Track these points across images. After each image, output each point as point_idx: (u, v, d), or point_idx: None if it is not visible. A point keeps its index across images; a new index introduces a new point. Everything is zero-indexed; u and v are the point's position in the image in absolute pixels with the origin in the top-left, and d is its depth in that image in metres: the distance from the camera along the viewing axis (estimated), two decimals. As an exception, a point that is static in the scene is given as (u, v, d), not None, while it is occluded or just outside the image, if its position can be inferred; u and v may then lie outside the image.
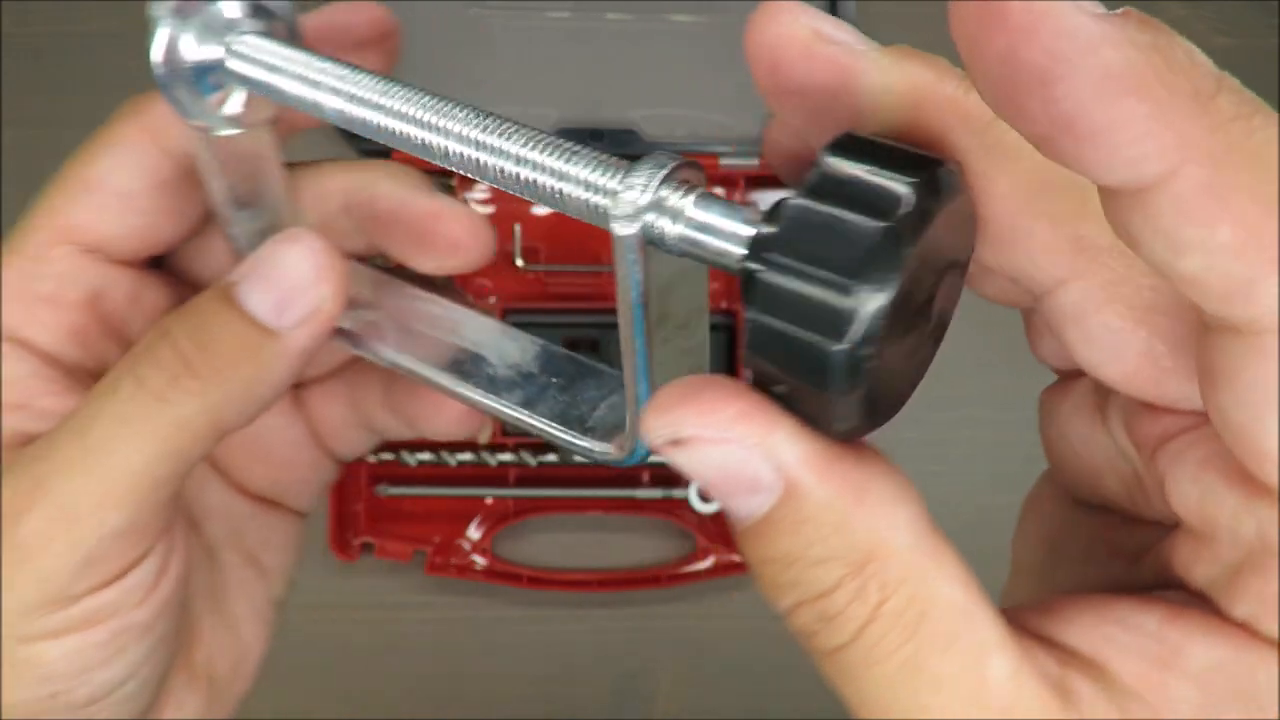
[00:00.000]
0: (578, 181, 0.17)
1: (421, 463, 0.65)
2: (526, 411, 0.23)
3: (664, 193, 0.16)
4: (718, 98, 0.68)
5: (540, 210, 0.67)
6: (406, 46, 0.67)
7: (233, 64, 0.22)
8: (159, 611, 0.22)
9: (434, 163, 0.23)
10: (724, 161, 0.66)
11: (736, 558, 0.66)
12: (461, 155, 0.21)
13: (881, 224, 0.14)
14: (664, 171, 0.16)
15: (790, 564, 0.15)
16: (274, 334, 0.21)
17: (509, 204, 0.67)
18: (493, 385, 0.23)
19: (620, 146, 0.66)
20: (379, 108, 0.22)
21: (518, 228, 0.66)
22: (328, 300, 0.22)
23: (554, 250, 0.67)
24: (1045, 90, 0.13)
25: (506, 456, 0.65)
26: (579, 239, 0.67)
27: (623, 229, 0.16)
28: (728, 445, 0.15)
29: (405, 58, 0.67)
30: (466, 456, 0.65)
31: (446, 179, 0.66)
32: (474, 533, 0.66)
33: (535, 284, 0.67)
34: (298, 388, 0.27)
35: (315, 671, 0.65)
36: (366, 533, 0.65)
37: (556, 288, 0.67)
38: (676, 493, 0.65)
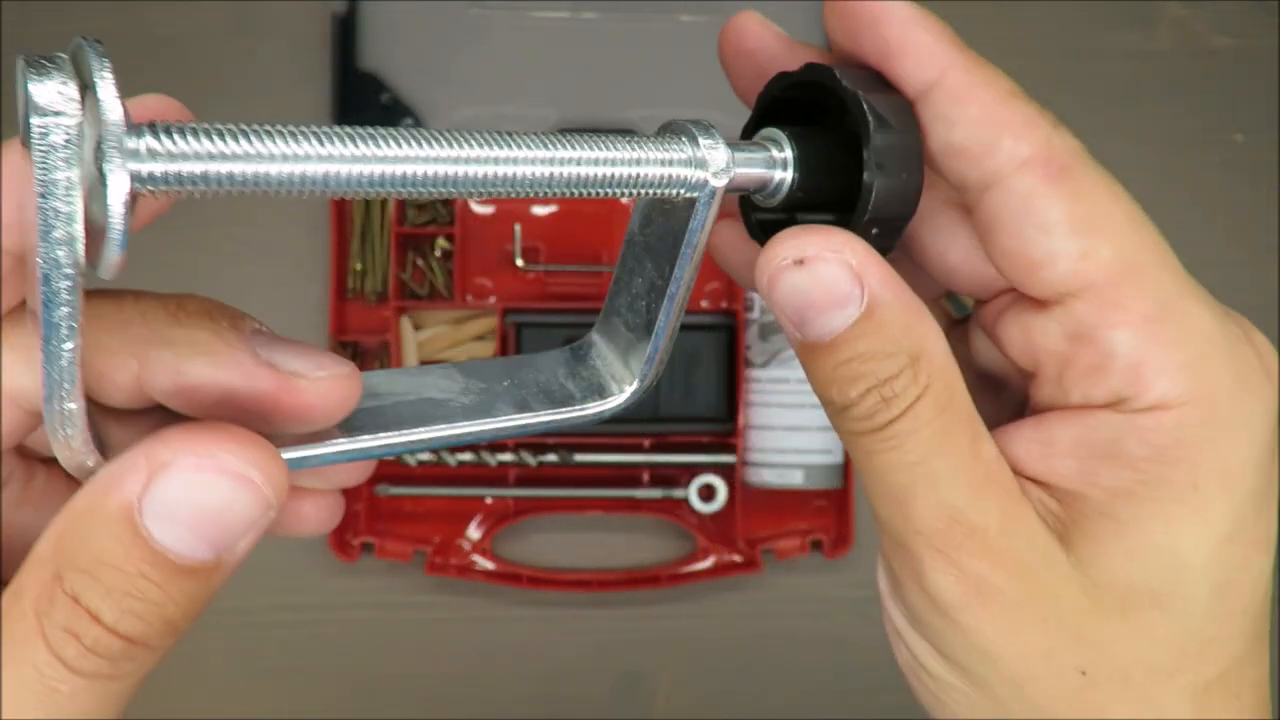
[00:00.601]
0: (659, 161, 0.20)
1: (421, 463, 0.65)
2: (525, 416, 0.23)
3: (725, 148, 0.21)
4: (718, 98, 0.68)
5: (540, 210, 0.67)
6: (407, 46, 0.67)
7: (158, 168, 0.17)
8: None
9: (486, 195, 0.20)
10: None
11: (737, 558, 0.66)
12: (533, 177, 0.19)
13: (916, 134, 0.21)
14: (716, 132, 0.21)
15: (867, 360, 0.20)
16: (208, 568, 0.18)
17: (509, 204, 0.67)
18: (469, 413, 0.23)
19: (620, 146, 0.66)
20: (435, 159, 0.18)
21: (518, 228, 0.66)
22: (272, 506, 0.18)
23: (554, 250, 0.67)
24: (874, 29, 0.21)
25: (506, 456, 0.65)
26: (579, 239, 0.67)
27: (718, 181, 0.20)
28: (836, 264, 0.19)
29: (406, 57, 0.67)
30: (466, 456, 0.65)
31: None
32: (474, 533, 0.66)
33: (535, 284, 0.67)
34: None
35: (315, 671, 0.65)
36: (366, 533, 0.65)
37: (556, 288, 0.67)
38: (676, 493, 0.65)
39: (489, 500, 0.66)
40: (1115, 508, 0.20)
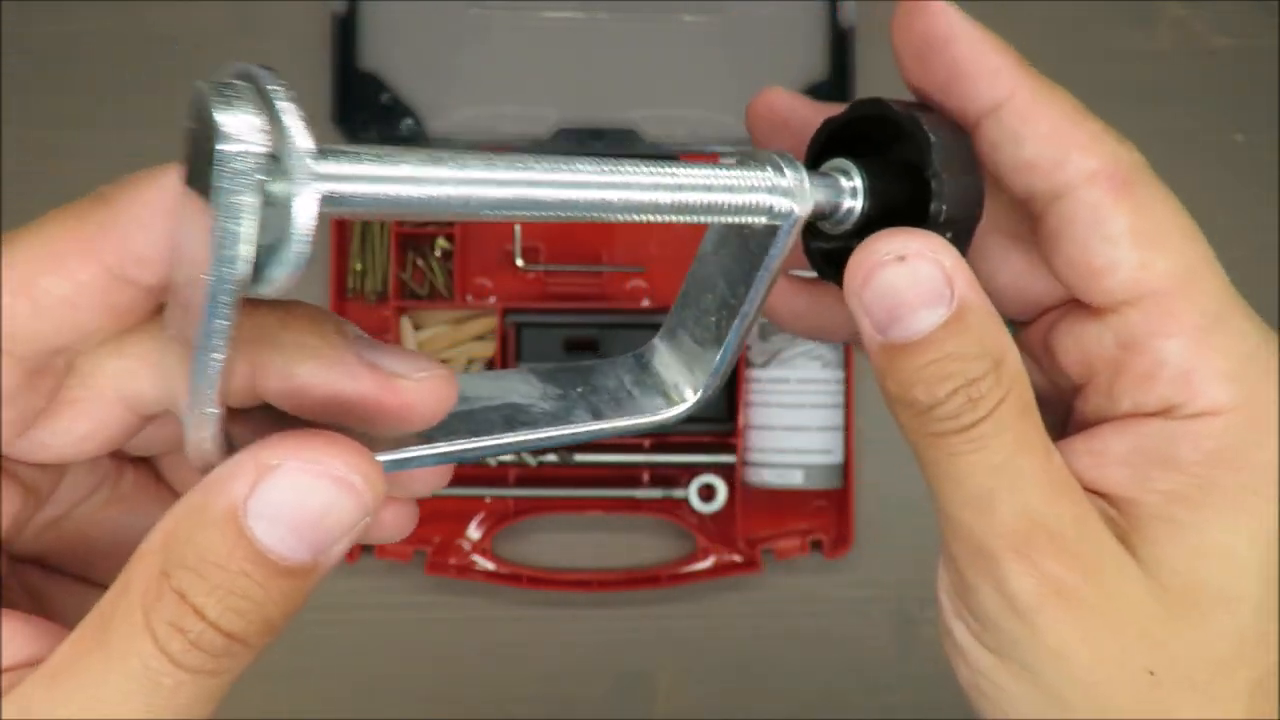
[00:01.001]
0: (753, 189, 0.22)
1: (421, 463, 0.65)
2: (600, 423, 0.24)
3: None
4: (718, 98, 0.68)
5: (540, 210, 0.67)
6: (407, 46, 0.67)
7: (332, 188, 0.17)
8: None
9: (590, 218, 0.20)
10: (724, 161, 0.66)
11: (737, 558, 0.66)
12: (651, 203, 0.21)
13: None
14: (798, 163, 0.22)
15: (955, 359, 0.20)
16: (306, 570, 0.18)
17: (509, 204, 0.67)
18: (551, 419, 0.24)
19: (620, 146, 0.66)
20: (544, 184, 0.19)
21: (518, 228, 0.66)
22: (369, 511, 0.19)
23: (554, 250, 0.67)
24: (945, 49, 0.23)
25: (506, 457, 0.65)
26: (579, 239, 0.67)
27: (802, 210, 0.22)
28: (932, 264, 0.20)
29: (406, 57, 0.67)
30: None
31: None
32: (474, 533, 0.66)
33: (535, 284, 0.67)
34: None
35: (315, 671, 0.65)
36: (366, 533, 0.65)
37: (556, 288, 0.67)
38: (676, 493, 0.65)
39: (489, 500, 0.66)
40: (1172, 511, 0.21)
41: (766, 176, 0.22)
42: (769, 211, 0.22)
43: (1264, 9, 0.72)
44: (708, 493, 0.65)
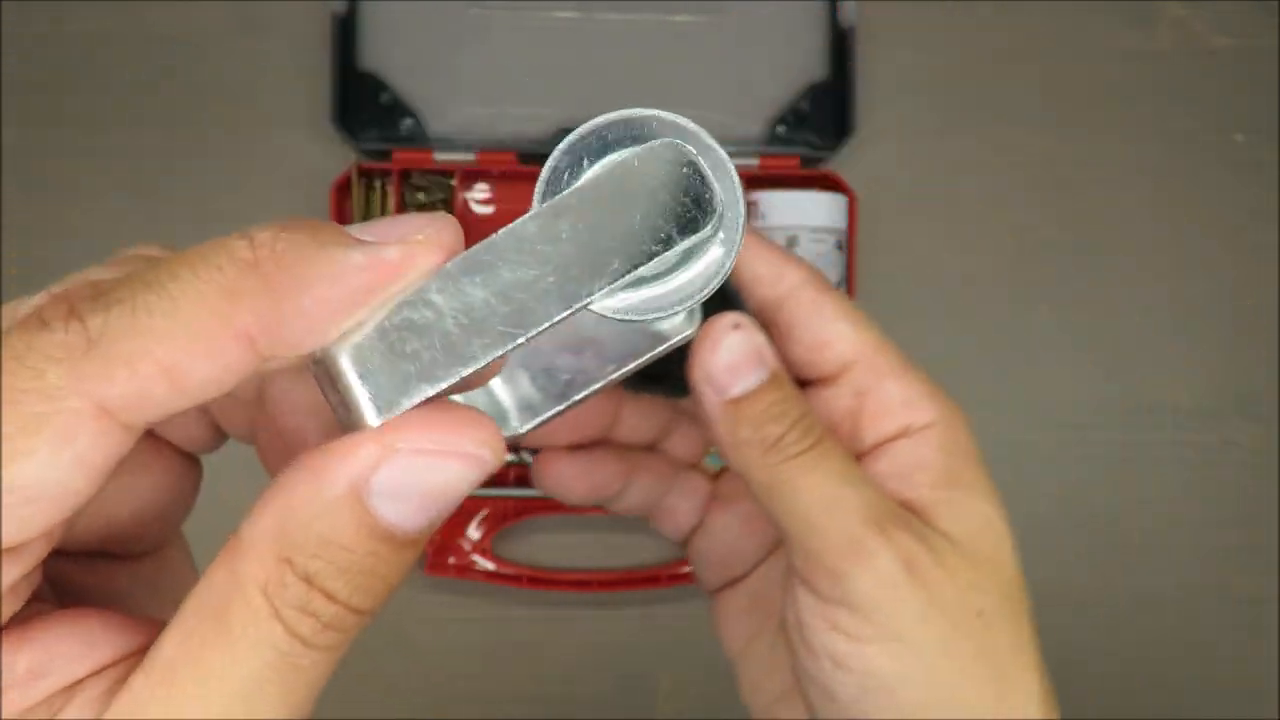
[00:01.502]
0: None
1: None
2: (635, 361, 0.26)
3: None
4: (718, 98, 0.68)
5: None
6: (407, 46, 0.67)
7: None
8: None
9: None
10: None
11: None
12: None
13: None
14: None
15: (782, 403, 0.26)
16: (425, 535, 0.19)
17: (509, 204, 0.67)
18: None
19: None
20: None
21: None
22: (488, 474, 0.20)
23: (554, 250, 0.67)
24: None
25: (507, 456, 0.65)
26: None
27: (691, 336, 0.26)
28: (753, 335, 0.26)
29: (406, 57, 0.67)
30: (466, 456, 0.65)
31: (447, 178, 0.66)
32: (474, 533, 0.66)
33: (535, 284, 0.67)
34: None
35: (315, 671, 0.65)
36: (366, 533, 0.65)
37: (556, 288, 0.67)
38: (676, 493, 0.65)
39: (489, 500, 0.66)
40: (940, 494, 0.27)
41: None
42: (666, 333, 0.26)
43: (1264, 9, 0.72)
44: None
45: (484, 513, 0.66)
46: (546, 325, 0.17)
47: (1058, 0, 0.71)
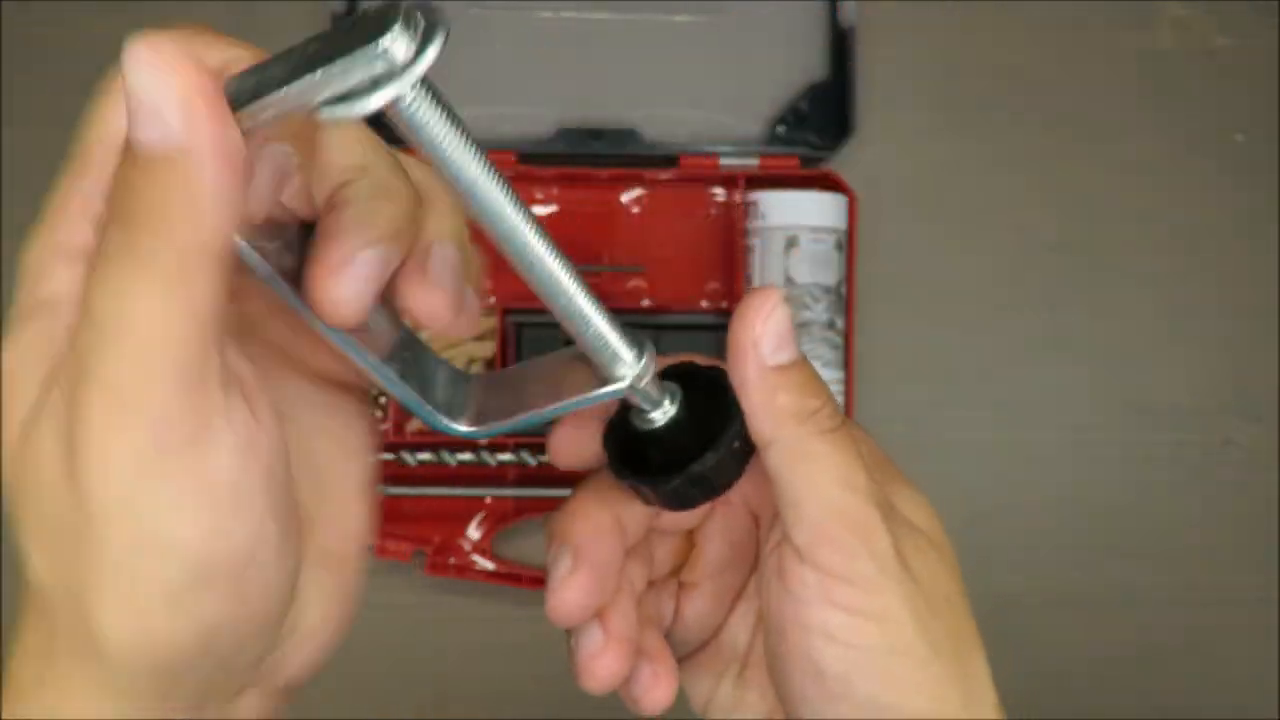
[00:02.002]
0: (617, 347, 0.27)
1: (421, 462, 0.65)
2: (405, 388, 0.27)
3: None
4: (718, 98, 0.68)
5: (540, 210, 0.67)
6: (406, 46, 0.67)
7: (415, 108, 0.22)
8: (267, 461, 0.22)
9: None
10: (724, 162, 0.66)
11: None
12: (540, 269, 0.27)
13: None
14: (653, 359, 0.28)
15: (815, 381, 0.28)
16: (169, 151, 0.20)
17: (509, 204, 0.67)
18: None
19: (620, 146, 0.66)
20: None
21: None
22: (190, 82, 0.20)
23: (554, 250, 0.67)
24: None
25: (506, 456, 0.65)
26: (579, 239, 0.67)
27: (632, 382, 0.27)
28: (788, 314, 0.28)
29: (405, 58, 0.67)
30: (466, 456, 0.65)
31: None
32: (474, 533, 0.66)
33: (535, 284, 0.67)
34: None
35: (315, 671, 0.65)
36: (366, 533, 0.65)
37: (556, 288, 0.67)
38: (676, 493, 0.65)
39: (489, 500, 0.66)
40: (893, 490, 0.29)
41: (626, 352, 0.27)
42: (613, 376, 0.27)
43: (1264, 9, 0.72)
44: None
45: (484, 513, 0.66)
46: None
47: (1058, 0, 0.71)
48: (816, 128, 0.67)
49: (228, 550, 0.21)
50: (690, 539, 0.32)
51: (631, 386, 0.27)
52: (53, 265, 0.23)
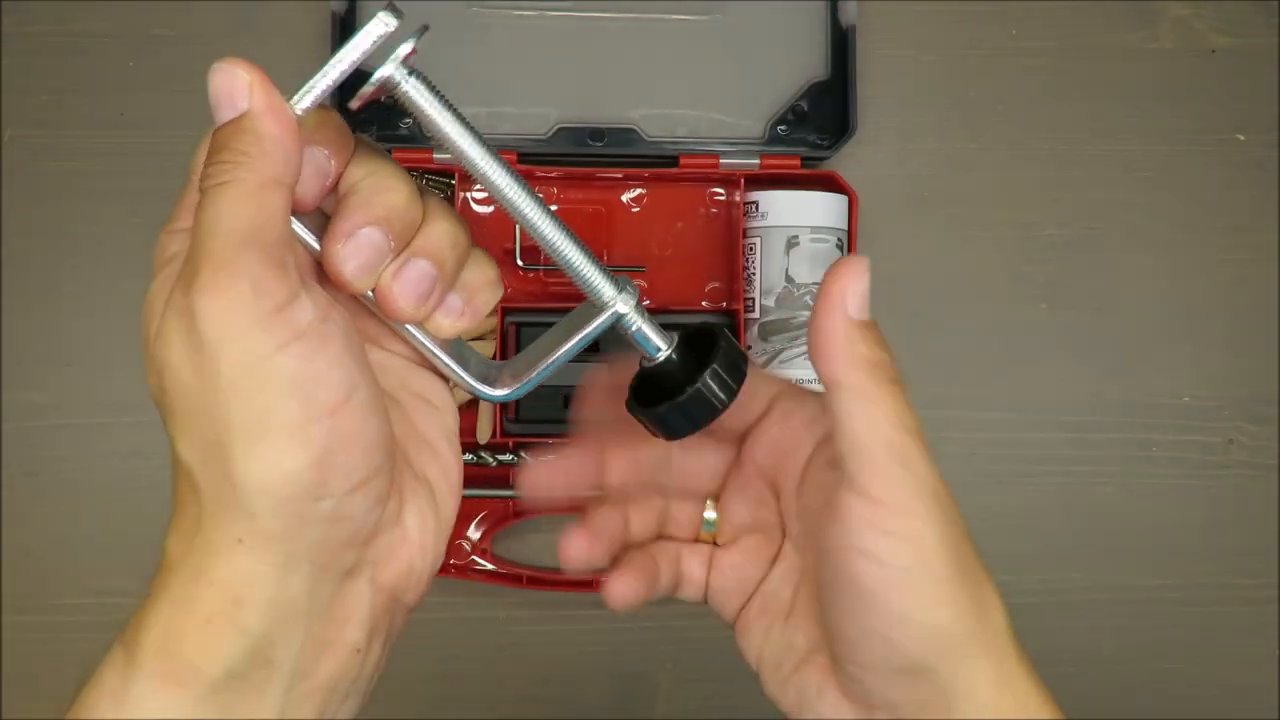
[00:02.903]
0: (596, 280, 0.33)
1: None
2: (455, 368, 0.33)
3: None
4: (718, 98, 0.68)
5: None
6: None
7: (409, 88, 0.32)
8: (344, 331, 0.29)
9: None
10: (724, 161, 0.66)
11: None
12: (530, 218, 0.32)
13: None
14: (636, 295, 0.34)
15: (883, 340, 0.32)
16: (241, 115, 0.28)
17: (509, 204, 0.67)
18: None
19: (620, 146, 0.66)
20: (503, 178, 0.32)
21: (518, 228, 0.66)
22: (247, 74, 0.28)
23: (554, 250, 0.67)
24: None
25: (506, 456, 0.65)
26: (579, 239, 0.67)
27: (623, 309, 0.33)
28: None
29: (405, 58, 0.67)
30: (466, 457, 0.65)
31: (447, 178, 0.66)
32: (474, 533, 0.66)
33: (535, 284, 0.67)
34: None
35: (315, 671, 0.65)
36: (366, 533, 0.65)
37: (556, 288, 0.67)
38: (676, 493, 0.65)
39: (489, 500, 0.66)
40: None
41: (609, 288, 0.33)
42: (607, 301, 0.33)
43: (1264, 9, 0.72)
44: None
45: (484, 513, 0.66)
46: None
47: (1058, 0, 0.71)
48: (816, 128, 0.67)
49: (328, 387, 0.27)
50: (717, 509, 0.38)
51: (617, 313, 0.32)
52: (174, 239, 0.30)
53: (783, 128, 0.67)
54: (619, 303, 0.32)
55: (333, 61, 0.29)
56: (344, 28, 0.66)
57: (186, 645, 0.27)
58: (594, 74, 0.67)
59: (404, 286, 0.30)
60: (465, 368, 0.33)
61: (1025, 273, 0.70)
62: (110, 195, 0.67)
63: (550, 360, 0.33)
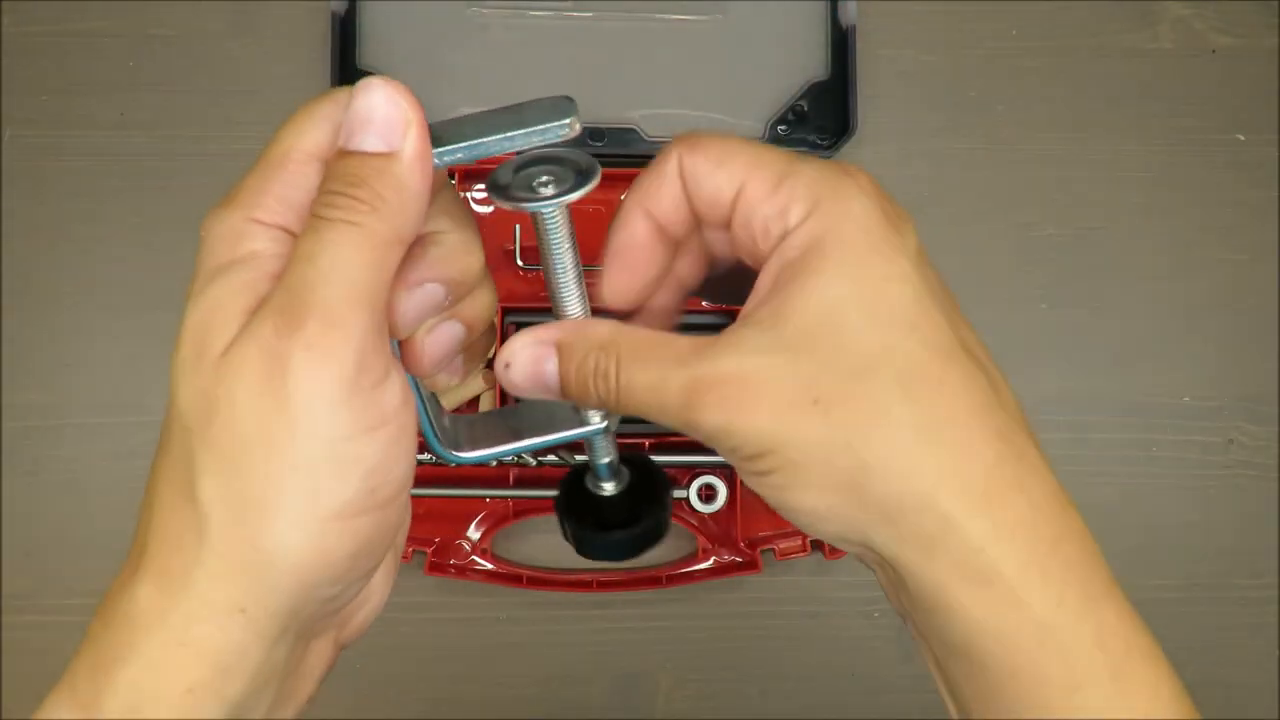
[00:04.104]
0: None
1: (421, 463, 0.65)
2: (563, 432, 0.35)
3: None
4: (718, 98, 0.68)
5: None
6: (407, 46, 0.67)
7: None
8: (413, 417, 0.27)
9: None
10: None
11: (738, 558, 0.66)
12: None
13: None
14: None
15: (577, 371, 0.30)
16: (391, 155, 0.25)
17: (509, 204, 0.67)
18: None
19: (620, 146, 0.66)
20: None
21: (518, 228, 0.66)
22: (410, 111, 0.25)
23: (554, 250, 0.67)
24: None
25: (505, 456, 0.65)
26: (579, 239, 0.67)
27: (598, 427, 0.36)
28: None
29: (405, 57, 0.67)
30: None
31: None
32: (474, 533, 0.66)
33: (535, 284, 0.67)
34: None
35: (315, 671, 0.65)
36: (366, 533, 0.65)
37: (556, 288, 0.67)
38: (677, 493, 0.65)
39: (489, 500, 0.66)
40: (784, 290, 0.27)
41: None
42: (590, 419, 0.34)
43: (1264, 9, 0.72)
44: (708, 493, 0.65)
45: (484, 513, 0.66)
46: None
47: (1058, 0, 0.71)
48: (816, 127, 0.67)
49: (392, 481, 0.26)
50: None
51: (595, 430, 0.33)
52: (252, 232, 0.26)
53: (783, 128, 0.67)
54: (605, 422, 0.34)
55: (498, 136, 0.27)
56: (344, 28, 0.66)
57: (162, 712, 0.24)
58: (594, 74, 0.67)
59: (435, 347, 0.29)
60: (436, 420, 0.32)
61: (1024, 272, 0.70)
62: (110, 195, 0.67)
63: (511, 446, 0.34)
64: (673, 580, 0.66)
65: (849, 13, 0.66)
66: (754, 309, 0.28)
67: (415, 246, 0.27)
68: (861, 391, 0.26)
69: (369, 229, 0.25)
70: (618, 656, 0.67)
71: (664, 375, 0.27)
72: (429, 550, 0.65)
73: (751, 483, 0.28)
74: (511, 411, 0.35)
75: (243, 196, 0.27)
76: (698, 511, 0.66)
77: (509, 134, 0.27)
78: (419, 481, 0.65)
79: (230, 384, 0.24)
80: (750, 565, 0.66)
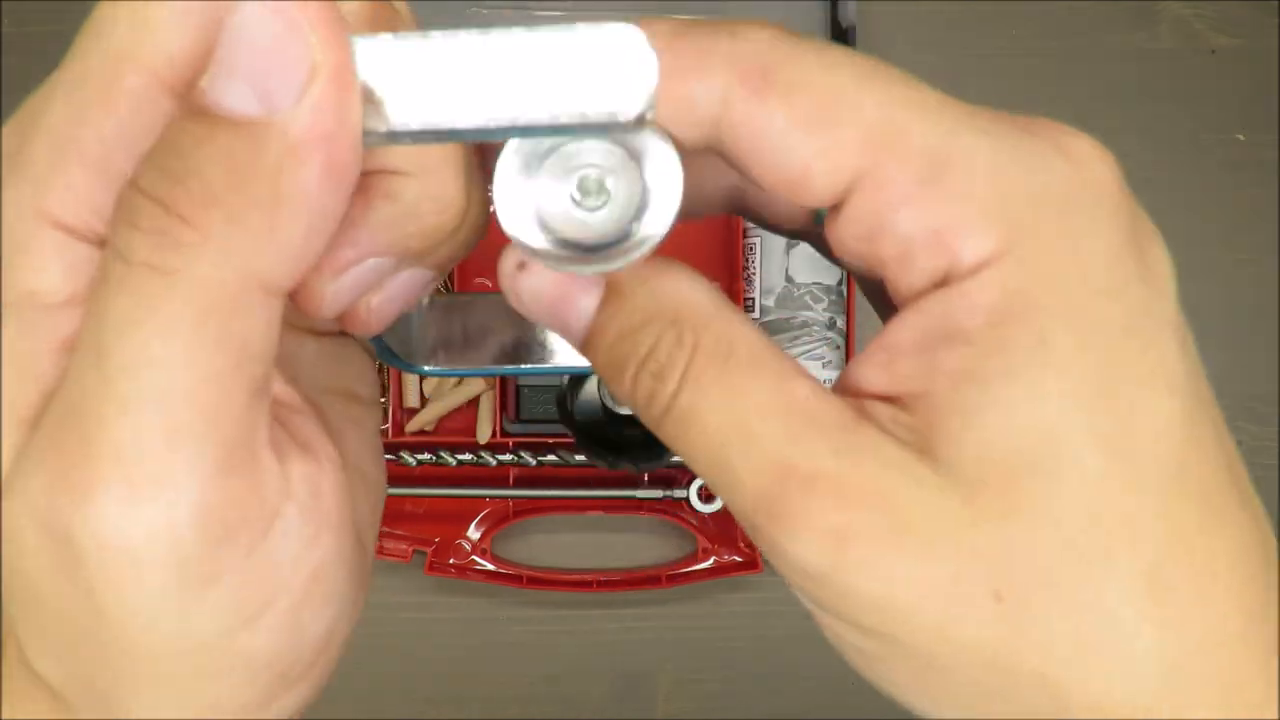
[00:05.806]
0: None
1: (421, 463, 0.65)
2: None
3: None
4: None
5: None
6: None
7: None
8: (339, 536, 0.18)
9: None
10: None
11: (738, 558, 0.66)
12: None
13: None
14: None
15: (620, 340, 0.18)
16: (269, 124, 0.14)
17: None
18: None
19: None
20: None
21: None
22: (321, 47, 0.14)
23: (554, 250, 0.67)
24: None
25: (506, 457, 0.65)
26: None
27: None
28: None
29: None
30: (466, 457, 0.65)
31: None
32: (474, 533, 0.66)
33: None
34: None
35: (315, 672, 0.65)
36: (366, 533, 0.65)
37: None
38: (677, 493, 0.65)
39: (489, 500, 0.66)
40: (964, 394, 0.17)
41: None
42: None
43: (1264, 9, 0.72)
44: (708, 493, 0.65)
45: (484, 513, 0.66)
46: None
47: (1058, 0, 0.71)
48: (816, 128, 0.67)
49: (311, 642, 0.18)
50: None
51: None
52: (40, 246, 0.15)
53: (783, 128, 0.67)
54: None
55: (500, 119, 0.16)
56: (344, 28, 0.66)
57: None
58: (594, 74, 0.67)
59: (388, 306, 0.20)
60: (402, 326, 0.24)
61: (1025, 273, 0.70)
62: (110, 195, 0.67)
63: (492, 369, 0.26)
64: (673, 580, 0.66)
65: (849, 13, 0.66)
66: (898, 383, 0.18)
67: (356, 198, 0.17)
68: (1078, 589, 0.16)
69: (201, 282, 0.14)
70: (618, 656, 0.67)
71: (755, 429, 0.17)
72: (429, 550, 0.65)
73: (844, 650, 0.19)
74: (473, 307, 0.26)
75: (30, 161, 0.17)
76: (698, 511, 0.66)
77: (520, 114, 0.16)
78: (419, 482, 0.65)
79: (17, 552, 0.15)
80: (750, 565, 0.66)
